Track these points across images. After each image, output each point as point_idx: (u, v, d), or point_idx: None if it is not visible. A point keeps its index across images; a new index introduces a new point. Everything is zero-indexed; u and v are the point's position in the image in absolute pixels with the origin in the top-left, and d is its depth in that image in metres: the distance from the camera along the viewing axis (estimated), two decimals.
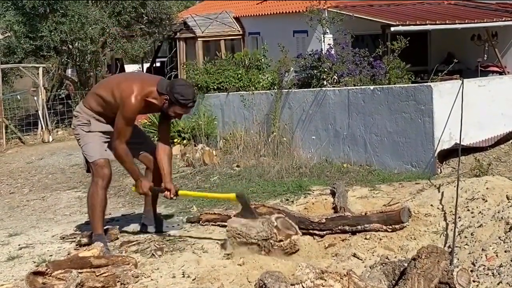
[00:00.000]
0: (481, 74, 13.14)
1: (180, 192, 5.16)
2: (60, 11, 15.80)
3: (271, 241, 4.51)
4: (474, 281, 3.78)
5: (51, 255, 5.11)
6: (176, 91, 4.78)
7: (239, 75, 12.11)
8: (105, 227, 5.43)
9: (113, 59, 23.06)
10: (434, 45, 15.69)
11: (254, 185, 7.40)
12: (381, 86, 8.52)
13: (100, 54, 17.62)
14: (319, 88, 9.47)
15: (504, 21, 13.60)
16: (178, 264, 4.55)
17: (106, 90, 5.04)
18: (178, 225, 5.60)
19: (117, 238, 5.30)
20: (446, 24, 13.22)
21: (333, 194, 5.95)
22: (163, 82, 4.94)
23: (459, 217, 4.76)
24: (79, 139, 5.14)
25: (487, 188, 5.06)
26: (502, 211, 4.54)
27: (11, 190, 9.23)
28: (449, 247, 4.36)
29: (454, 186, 5.28)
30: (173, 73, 17.26)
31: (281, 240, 4.52)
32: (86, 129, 5.08)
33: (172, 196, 5.05)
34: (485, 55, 14.04)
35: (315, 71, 10.16)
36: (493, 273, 3.84)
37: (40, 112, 15.60)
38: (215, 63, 13.18)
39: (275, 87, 10.81)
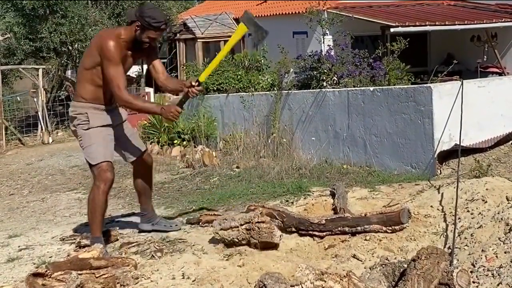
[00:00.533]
0: (480, 75, 13.16)
1: (200, 78, 4.95)
2: (60, 13, 15.82)
3: (252, 221, 4.67)
4: (474, 282, 3.78)
5: (50, 257, 5.10)
6: (147, 15, 4.73)
7: (239, 76, 12.12)
8: (105, 229, 5.43)
9: None
10: (434, 46, 15.71)
11: (254, 186, 7.40)
12: (381, 87, 8.53)
13: None
14: (318, 89, 9.47)
15: (504, 22, 13.62)
16: (178, 265, 4.55)
17: (86, 58, 5.01)
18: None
19: (117, 240, 5.29)
20: (445, 25, 13.24)
21: (333, 195, 5.95)
22: (130, 12, 4.96)
23: (459, 218, 4.76)
24: (81, 140, 5.02)
25: (486, 189, 5.06)
26: (502, 212, 4.54)
27: (10, 191, 9.22)
28: (449, 248, 4.36)
29: (454, 187, 5.28)
30: (173, 74, 17.30)
31: (262, 222, 4.65)
32: (85, 127, 4.96)
33: (195, 85, 4.87)
34: (485, 56, 14.06)
35: (315, 72, 10.17)
36: (493, 274, 3.84)
37: (40, 114, 15.60)
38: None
39: (275, 88, 10.82)
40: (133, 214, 6.60)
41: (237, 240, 4.74)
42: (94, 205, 4.91)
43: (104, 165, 4.88)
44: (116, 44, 4.77)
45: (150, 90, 17.49)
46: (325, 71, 9.98)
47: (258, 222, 4.67)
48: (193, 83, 4.88)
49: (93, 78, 4.89)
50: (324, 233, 4.90)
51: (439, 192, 5.49)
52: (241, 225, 4.72)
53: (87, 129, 4.95)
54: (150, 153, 11.34)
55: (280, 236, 4.72)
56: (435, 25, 13.18)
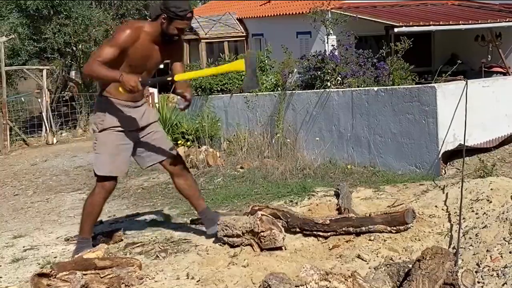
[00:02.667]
0: (485, 74, 13.13)
1: (176, 77, 4.74)
2: (64, 13, 15.86)
3: (253, 231, 4.66)
4: (478, 282, 3.77)
5: (55, 257, 5.12)
6: (171, 5, 4.58)
7: (243, 77, 12.10)
8: (110, 229, 5.45)
9: None
10: (438, 46, 15.69)
11: (258, 187, 7.40)
12: (385, 87, 8.52)
13: None
14: (322, 90, 9.46)
15: (508, 21, 13.59)
16: (183, 265, 4.56)
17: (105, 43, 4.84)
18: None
19: (121, 240, 5.31)
20: (449, 25, 13.22)
21: (337, 195, 5.95)
22: (154, 7, 4.85)
23: (464, 218, 4.75)
24: (94, 142, 4.86)
25: (491, 189, 5.05)
26: (507, 212, 4.53)
27: (15, 192, 9.24)
28: (453, 248, 4.36)
29: (459, 187, 5.27)
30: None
31: (262, 231, 4.64)
32: (100, 127, 4.75)
33: (184, 96, 4.83)
34: (489, 56, 14.03)
35: (319, 72, 10.16)
36: (497, 274, 3.83)
37: (44, 114, 15.65)
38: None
39: (279, 89, 10.83)
40: (138, 213, 6.62)
41: (242, 245, 4.76)
42: (91, 207, 4.87)
43: (109, 176, 4.80)
44: (130, 33, 4.57)
45: (154, 90, 17.51)
46: (329, 71, 9.97)
47: (259, 231, 4.66)
48: (186, 94, 4.86)
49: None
50: (329, 233, 4.90)
51: (443, 192, 5.48)
52: (243, 234, 4.74)
53: (100, 130, 4.76)
54: None
55: (283, 238, 4.72)
56: (439, 25, 13.15)
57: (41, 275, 3.99)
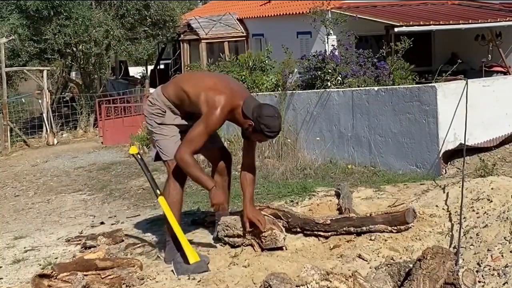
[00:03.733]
0: (485, 74, 13.13)
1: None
2: (64, 14, 15.87)
3: (254, 232, 4.67)
4: (479, 282, 3.77)
5: (56, 258, 5.12)
6: (263, 122, 4.38)
7: (243, 77, 12.12)
8: (111, 230, 5.44)
9: (117, 61, 23.12)
10: (438, 46, 15.69)
11: (258, 187, 7.39)
12: (385, 87, 8.52)
13: (104, 56, 17.70)
14: (323, 89, 9.47)
15: (508, 21, 13.59)
16: None
17: (194, 90, 4.63)
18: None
19: (122, 241, 5.31)
20: (449, 24, 13.22)
21: (337, 195, 5.94)
22: (249, 103, 4.51)
23: (464, 218, 4.75)
24: (152, 130, 4.82)
25: (492, 189, 5.04)
26: (508, 211, 4.53)
27: (16, 193, 9.25)
28: (454, 247, 4.36)
29: (459, 187, 5.27)
30: (177, 75, 17.34)
31: (263, 231, 4.64)
32: (158, 121, 4.72)
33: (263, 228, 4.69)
34: (489, 55, 14.03)
35: (319, 72, 10.17)
36: (498, 274, 3.83)
37: (44, 115, 15.67)
38: (219, 65, 13.23)
39: (279, 89, 10.83)
40: (139, 215, 6.62)
41: (242, 245, 4.77)
42: (169, 202, 4.68)
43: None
44: (224, 118, 4.49)
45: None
46: (329, 71, 9.98)
47: (260, 232, 4.67)
48: (263, 223, 4.69)
49: (186, 102, 4.65)
50: (329, 233, 4.89)
51: (444, 192, 5.48)
52: (244, 234, 4.74)
53: (159, 123, 4.74)
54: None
55: (284, 238, 4.72)
56: (439, 24, 13.16)
57: (42, 276, 3.99)
